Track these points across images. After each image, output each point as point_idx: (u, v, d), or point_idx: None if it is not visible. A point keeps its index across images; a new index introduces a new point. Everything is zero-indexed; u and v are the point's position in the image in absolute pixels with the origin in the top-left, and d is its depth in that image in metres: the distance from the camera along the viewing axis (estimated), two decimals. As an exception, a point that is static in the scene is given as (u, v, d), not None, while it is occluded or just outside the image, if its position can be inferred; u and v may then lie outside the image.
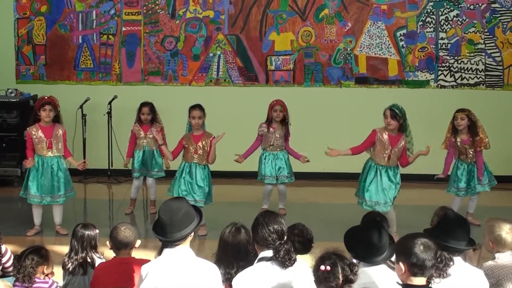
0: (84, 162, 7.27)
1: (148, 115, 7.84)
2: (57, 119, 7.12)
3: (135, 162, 7.91)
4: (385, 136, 6.77)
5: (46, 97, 7.07)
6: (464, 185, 7.38)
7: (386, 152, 6.76)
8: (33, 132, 7.00)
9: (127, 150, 8.02)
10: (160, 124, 7.94)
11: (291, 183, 7.98)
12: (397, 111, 6.70)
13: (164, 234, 3.60)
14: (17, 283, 4.22)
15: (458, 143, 7.32)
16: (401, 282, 3.35)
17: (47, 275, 4.30)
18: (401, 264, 3.31)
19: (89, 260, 4.57)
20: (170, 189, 7.16)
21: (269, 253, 3.69)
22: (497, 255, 4.30)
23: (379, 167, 6.84)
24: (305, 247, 4.45)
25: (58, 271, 4.65)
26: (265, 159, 7.79)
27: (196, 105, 7.14)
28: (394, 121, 6.69)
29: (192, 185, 7.03)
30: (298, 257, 3.85)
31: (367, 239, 3.72)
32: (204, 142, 7.05)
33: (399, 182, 6.93)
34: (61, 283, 4.62)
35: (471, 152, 7.30)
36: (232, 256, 4.13)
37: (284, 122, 7.75)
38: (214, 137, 7.06)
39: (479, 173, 7.34)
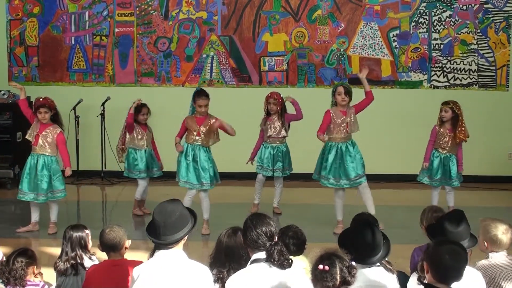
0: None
1: (147, 115, 7.81)
2: (55, 119, 7.09)
3: (139, 163, 7.78)
4: (337, 111, 7.18)
5: (41, 99, 7.04)
6: (438, 176, 7.41)
7: (342, 124, 7.13)
8: (35, 122, 7.05)
9: (122, 138, 7.89)
10: (151, 129, 7.93)
11: (284, 183, 7.98)
12: (348, 88, 7.17)
13: (158, 236, 3.59)
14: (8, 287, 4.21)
15: (443, 132, 7.34)
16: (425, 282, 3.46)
17: (36, 275, 4.31)
18: (425, 265, 3.45)
19: (79, 260, 4.56)
20: (178, 177, 7.13)
21: (262, 254, 3.68)
22: (490, 254, 4.29)
23: (339, 145, 7.14)
24: (299, 248, 4.46)
25: (51, 273, 4.64)
26: (264, 151, 7.82)
27: (202, 91, 7.15)
28: (347, 96, 7.12)
29: (198, 170, 7.02)
30: (292, 258, 3.85)
31: (361, 239, 3.72)
32: (206, 125, 7.04)
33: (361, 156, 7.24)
34: (54, 284, 4.61)
35: (448, 145, 7.34)
36: (225, 257, 4.12)
37: (281, 114, 7.78)
38: (216, 119, 7.07)
39: (459, 165, 7.42)
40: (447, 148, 7.37)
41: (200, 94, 7.10)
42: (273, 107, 7.75)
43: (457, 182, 7.41)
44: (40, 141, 6.99)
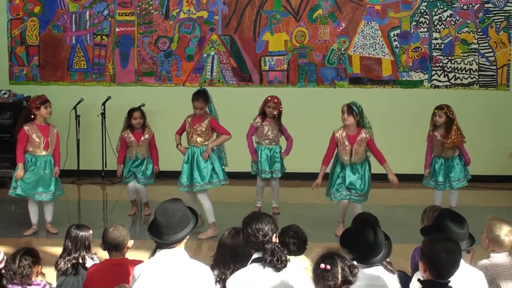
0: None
1: (140, 119, 7.68)
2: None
3: (125, 169, 7.78)
4: (343, 134, 6.90)
5: (43, 95, 7.02)
6: (442, 178, 7.42)
7: (347, 149, 6.86)
8: (30, 131, 6.93)
9: (118, 157, 7.85)
10: (151, 129, 7.81)
11: (286, 183, 7.98)
12: (354, 108, 6.81)
13: (160, 236, 3.59)
14: (14, 286, 4.21)
15: (437, 137, 7.34)
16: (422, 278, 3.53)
17: (37, 275, 4.32)
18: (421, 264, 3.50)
19: (81, 260, 4.56)
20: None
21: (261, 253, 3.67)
22: (492, 254, 4.30)
23: (345, 165, 6.96)
24: (299, 248, 4.46)
25: (51, 272, 4.64)
26: (261, 154, 7.79)
27: (199, 94, 7.00)
28: (350, 117, 6.81)
29: (193, 173, 6.94)
30: (293, 258, 3.84)
31: (363, 239, 3.72)
32: (203, 124, 6.97)
33: (369, 176, 6.98)
34: (54, 284, 4.61)
35: (444, 150, 7.35)
36: (230, 258, 4.11)
37: (279, 118, 7.77)
38: (212, 118, 7.01)
39: (466, 159, 7.46)
40: (443, 153, 7.38)
41: (197, 95, 6.99)
42: (272, 111, 7.71)
43: (462, 183, 7.40)
44: (49, 147, 6.99)
